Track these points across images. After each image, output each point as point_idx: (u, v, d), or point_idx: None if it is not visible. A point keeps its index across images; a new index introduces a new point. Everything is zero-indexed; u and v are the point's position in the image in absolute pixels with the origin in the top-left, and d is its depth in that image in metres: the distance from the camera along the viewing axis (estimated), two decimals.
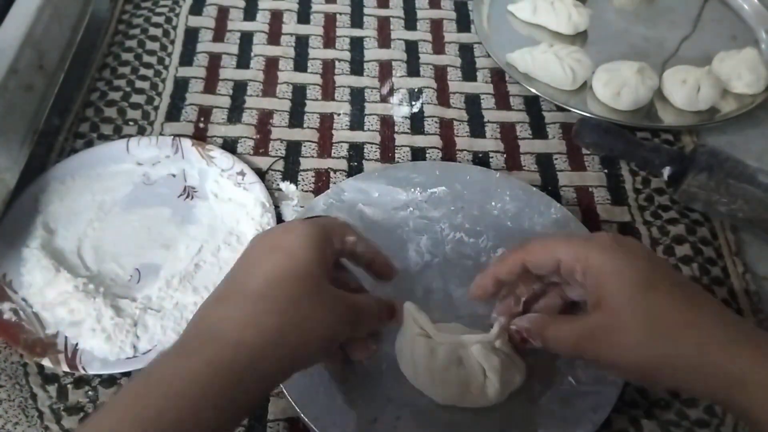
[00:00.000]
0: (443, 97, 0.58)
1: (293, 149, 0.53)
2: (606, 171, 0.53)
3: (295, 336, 0.30)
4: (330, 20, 0.64)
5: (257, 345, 0.28)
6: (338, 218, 0.40)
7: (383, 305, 0.37)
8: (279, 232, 0.35)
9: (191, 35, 0.61)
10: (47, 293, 0.42)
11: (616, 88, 0.56)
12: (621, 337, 0.32)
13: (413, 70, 0.60)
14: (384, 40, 0.63)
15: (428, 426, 0.38)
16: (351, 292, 0.35)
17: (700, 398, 0.39)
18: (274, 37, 0.62)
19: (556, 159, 0.54)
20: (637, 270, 0.32)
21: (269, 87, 0.58)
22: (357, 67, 0.60)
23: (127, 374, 0.40)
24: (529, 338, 0.36)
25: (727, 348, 0.30)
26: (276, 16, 0.64)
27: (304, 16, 0.64)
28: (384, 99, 0.58)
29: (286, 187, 0.50)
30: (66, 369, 0.39)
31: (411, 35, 0.63)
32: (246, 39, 0.62)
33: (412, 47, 0.62)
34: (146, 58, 0.59)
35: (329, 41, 0.62)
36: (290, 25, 0.63)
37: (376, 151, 0.54)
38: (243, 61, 0.60)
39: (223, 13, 0.64)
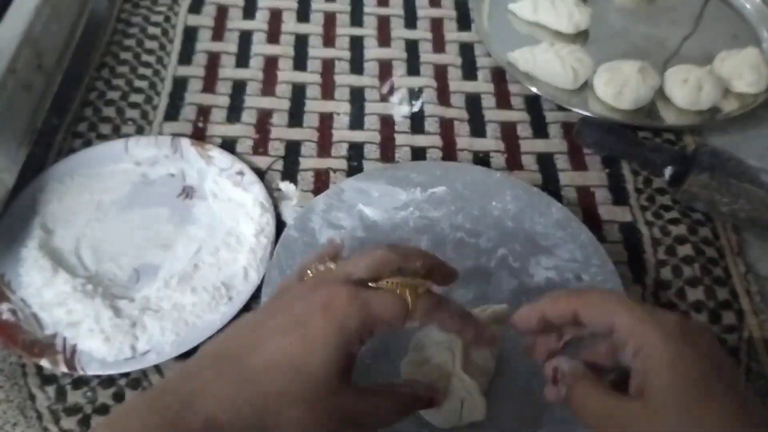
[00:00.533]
0: (443, 96, 0.58)
1: (293, 149, 0.53)
2: (607, 171, 0.53)
3: None
4: (330, 19, 0.64)
5: (223, 428, 0.26)
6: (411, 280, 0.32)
7: (408, 398, 0.32)
8: (315, 306, 0.29)
9: (190, 34, 0.61)
10: (45, 293, 0.42)
11: (618, 87, 0.55)
12: None
13: (413, 70, 0.60)
14: (384, 39, 0.62)
15: (428, 425, 0.38)
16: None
17: None
18: (273, 36, 0.62)
19: (557, 159, 0.53)
20: (697, 372, 0.27)
21: (268, 86, 0.58)
22: (357, 66, 0.60)
23: (125, 375, 0.40)
24: (560, 383, 0.32)
25: None
26: (275, 15, 0.64)
27: (303, 15, 0.64)
28: (384, 98, 0.57)
29: (286, 186, 0.50)
30: (64, 369, 0.39)
31: (411, 34, 0.63)
32: (245, 38, 0.61)
33: (412, 46, 0.62)
34: (145, 57, 0.58)
35: (329, 40, 0.62)
36: (290, 24, 0.63)
37: (376, 151, 0.53)
38: (242, 61, 0.59)
39: (222, 12, 0.63)
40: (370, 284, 0.31)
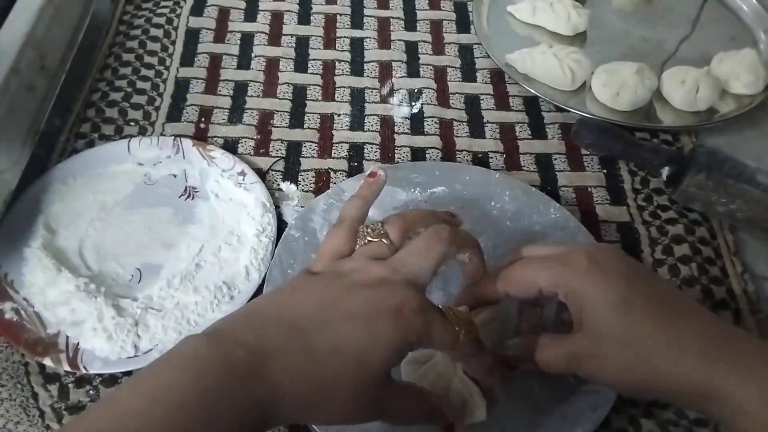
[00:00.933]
0: (443, 97, 0.58)
1: (294, 149, 0.53)
2: (605, 171, 0.53)
3: (318, 410, 0.29)
4: (330, 21, 0.64)
5: (284, 399, 0.28)
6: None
7: (437, 411, 0.33)
8: (388, 308, 0.30)
9: (192, 36, 0.62)
10: (49, 293, 0.42)
11: (615, 88, 0.56)
12: (603, 362, 0.32)
13: (413, 71, 0.60)
14: (384, 41, 0.63)
15: (428, 425, 0.38)
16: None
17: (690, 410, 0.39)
18: (274, 38, 0.62)
19: (556, 159, 0.54)
20: (612, 291, 0.32)
21: (270, 87, 0.58)
22: (357, 67, 0.60)
23: (128, 373, 0.40)
24: (518, 364, 0.36)
25: (702, 363, 0.30)
26: (276, 17, 0.64)
27: (304, 17, 0.64)
28: (384, 99, 0.58)
29: (287, 187, 0.51)
30: (67, 368, 0.40)
31: (411, 36, 0.63)
32: (247, 40, 0.62)
33: (412, 48, 0.62)
34: (147, 59, 0.59)
35: (329, 42, 0.62)
36: (291, 26, 0.63)
37: (376, 152, 0.54)
38: (244, 62, 0.60)
39: (223, 13, 0.64)
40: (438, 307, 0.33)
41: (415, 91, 0.58)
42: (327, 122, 0.56)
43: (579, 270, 0.33)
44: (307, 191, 0.51)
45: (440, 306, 0.33)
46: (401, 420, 0.33)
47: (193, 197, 0.49)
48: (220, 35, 0.62)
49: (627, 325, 0.31)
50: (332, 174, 0.52)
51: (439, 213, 0.38)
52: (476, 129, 0.56)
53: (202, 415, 0.25)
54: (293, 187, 0.51)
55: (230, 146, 0.53)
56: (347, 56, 0.61)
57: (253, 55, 0.60)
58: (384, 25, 0.64)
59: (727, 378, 0.30)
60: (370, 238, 0.34)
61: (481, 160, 0.54)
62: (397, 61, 0.61)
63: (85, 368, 0.40)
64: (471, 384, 0.37)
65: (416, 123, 0.56)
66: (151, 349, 0.41)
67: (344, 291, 0.31)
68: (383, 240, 0.34)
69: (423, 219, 0.35)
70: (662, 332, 0.31)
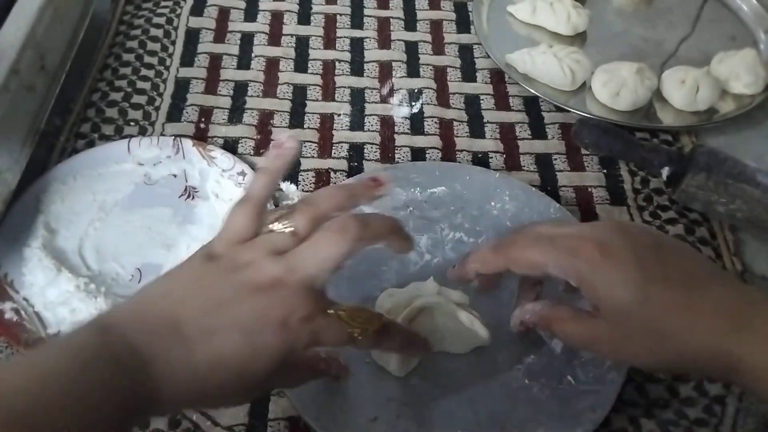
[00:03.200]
0: (443, 97, 0.58)
1: None
2: (605, 171, 0.53)
3: (202, 406, 0.33)
4: (330, 21, 0.64)
5: (168, 397, 0.29)
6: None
7: (324, 374, 0.37)
8: (274, 318, 0.30)
9: (192, 36, 0.62)
10: (49, 293, 0.42)
11: (615, 88, 0.56)
12: (625, 347, 0.33)
13: (413, 71, 0.60)
14: (384, 41, 0.63)
15: (428, 425, 0.38)
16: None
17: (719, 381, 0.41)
18: (274, 38, 0.62)
19: (556, 159, 0.54)
20: (628, 282, 0.32)
21: (270, 87, 0.58)
22: (357, 67, 0.60)
23: None
24: (543, 329, 0.37)
25: (724, 335, 0.31)
26: (276, 17, 0.64)
27: (304, 17, 0.64)
28: (384, 99, 0.58)
29: (287, 187, 0.51)
30: None
31: (411, 36, 0.63)
32: (246, 40, 0.62)
33: (412, 48, 0.62)
34: (147, 59, 0.59)
35: (329, 42, 0.62)
36: (291, 26, 0.63)
37: (376, 152, 0.54)
38: (244, 62, 0.60)
39: (223, 14, 0.64)
40: (329, 310, 0.31)
41: (415, 91, 0.58)
42: (327, 122, 0.56)
43: (591, 261, 0.32)
44: (307, 191, 0.51)
45: (336, 307, 0.32)
46: (294, 384, 0.36)
47: (193, 197, 0.49)
48: (220, 35, 0.62)
49: (645, 312, 0.32)
50: (332, 174, 0.52)
51: (356, 188, 0.34)
52: (476, 129, 0.56)
53: (83, 401, 0.26)
54: (293, 187, 0.51)
55: (230, 146, 0.53)
56: (347, 56, 0.61)
57: (253, 55, 0.60)
58: (384, 25, 0.64)
59: (746, 346, 0.30)
60: (273, 227, 0.32)
61: (481, 160, 0.54)
62: (397, 61, 0.61)
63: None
64: (473, 313, 0.40)
65: (416, 123, 0.56)
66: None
67: (233, 293, 0.30)
68: (287, 230, 0.32)
69: (338, 203, 0.33)
70: (681, 311, 0.32)
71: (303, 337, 0.30)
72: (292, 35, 0.63)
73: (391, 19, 0.65)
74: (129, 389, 0.27)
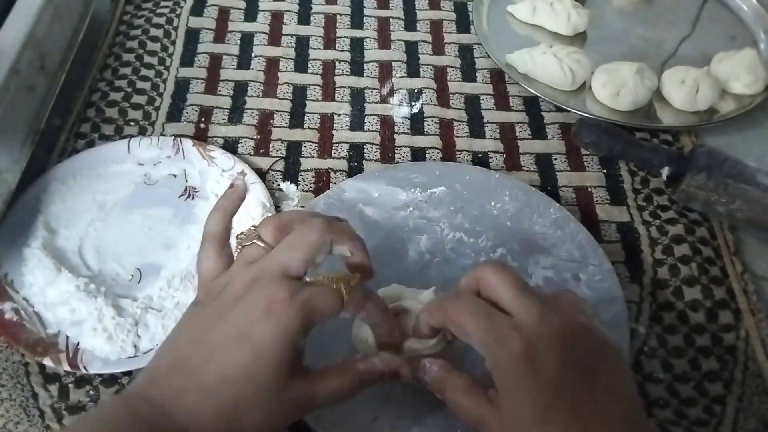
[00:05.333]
0: (443, 97, 0.58)
1: (294, 149, 0.53)
2: (605, 171, 0.53)
3: None
4: (330, 21, 0.64)
5: None
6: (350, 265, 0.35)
7: (361, 374, 0.33)
8: (258, 312, 0.30)
9: (192, 36, 0.62)
10: (49, 293, 0.42)
11: (615, 88, 0.56)
12: None
13: (413, 71, 0.60)
14: (384, 41, 0.63)
15: (428, 425, 0.38)
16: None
17: None
18: (274, 38, 0.62)
19: (556, 159, 0.54)
20: (535, 397, 0.29)
21: (270, 87, 0.58)
22: (357, 67, 0.60)
23: (128, 373, 0.40)
24: (428, 388, 0.34)
25: None
26: (276, 17, 0.64)
27: (304, 17, 0.64)
28: (384, 99, 0.58)
29: (287, 187, 0.51)
30: (67, 368, 0.40)
31: (411, 36, 0.63)
32: (246, 40, 0.62)
33: (412, 48, 0.62)
34: (147, 59, 0.59)
35: (329, 42, 0.62)
36: (291, 26, 0.63)
37: (376, 152, 0.54)
38: (244, 62, 0.60)
39: (223, 14, 0.64)
40: (306, 278, 0.32)
41: (415, 91, 0.58)
42: (327, 122, 0.56)
43: (511, 358, 0.30)
44: (307, 191, 0.51)
45: (313, 276, 0.32)
46: (333, 402, 0.33)
47: (193, 197, 0.49)
48: (220, 35, 0.62)
49: None
50: (332, 174, 0.52)
51: (317, 213, 0.36)
52: (476, 129, 0.56)
53: None
54: (293, 187, 0.51)
55: (230, 146, 0.53)
56: (347, 56, 0.61)
57: (253, 55, 0.60)
58: (384, 25, 0.64)
59: None
60: (243, 244, 0.34)
61: (481, 160, 0.54)
62: (397, 61, 0.61)
63: (85, 368, 0.40)
64: None
65: (416, 123, 0.56)
66: (151, 349, 0.41)
67: (217, 315, 0.31)
68: (256, 242, 0.33)
69: (299, 218, 0.34)
70: None
71: (293, 314, 0.30)
72: (292, 35, 0.63)
73: (391, 19, 0.65)
74: None
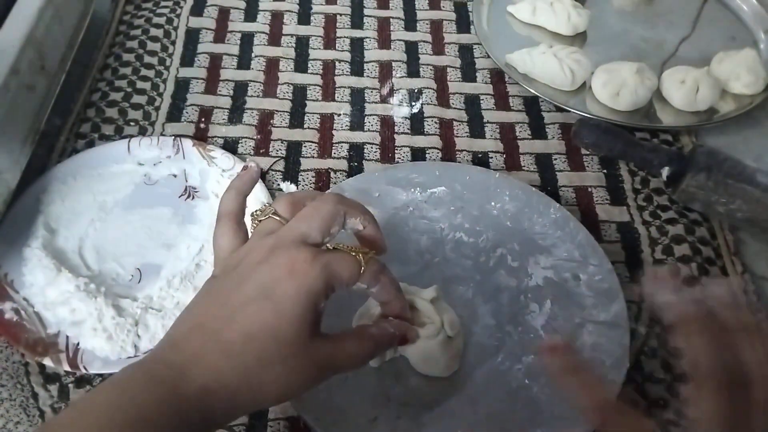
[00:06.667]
0: (443, 97, 0.58)
1: (294, 149, 0.53)
2: (605, 171, 0.53)
3: (253, 395, 0.30)
4: (330, 21, 0.64)
5: (216, 395, 0.29)
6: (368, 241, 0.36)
7: (377, 337, 0.34)
8: (280, 272, 0.31)
9: (192, 36, 0.62)
10: (49, 293, 0.42)
11: (615, 88, 0.56)
12: None
13: (413, 71, 0.60)
14: (384, 41, 0.63)
15: (429, 425, 0.38)
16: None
17: None
18: (274, 38, 0.62)
19: (556, 159, 0.54)
20: None
21: (270, 87, 0.58)
22: (357, 67, 0.60)
23: None
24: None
25: None
26: (276, 17, 0.64)
27: (304, 17, 0.64)
28: (384, 99, 0.58)
29: (287, 187, 0.51)
30: (67, 368, 0.40)
31: (411, 36, 0.63)
32: (246, 40, 0.62)
33: (412, 48, 0.62)
34: (147, 59, 0.59)
35: (329, 42, 0.62)
36: (291, 26, 0.63)
37: (376, 152, 0.54)
38: (244, 62, 0.60)
39: (223, 14, 0.64)
40: (327, 246, 0.33)
41: (415, 91, 0.58)
42: (327, 122, 0.56)
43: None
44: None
45: (332, 245, 0.33)
46: (352, 365, 0.33)
47: (193, 197, 0.49)
48: (220, 35, 0.62)
49: None
50: (332, 174, 0.52)
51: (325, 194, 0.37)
52: (476, 129, 0.56)
53: (134, 424, 0.27)
54: (293, 187, 0.51)
55: (230, 146, 0.53)
56: (347, 56, 0.61)
57: (253, 55, 0.60)
58: (384, 25, 0.64)
59: None
60: (260, 219, 0.35)
61: (481, 160, 0.54)
62: (397, 61, 0.61)
63: (85, 368, 0.40)
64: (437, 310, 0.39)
65: (416, 123, 0.56)
66: (150, 349, 0.41)
67: (239, 280, 0.31)
68: (272, 216, 0.34)
69: (312, 195, 0.36)
70: None
71: (315, 274, 0.30)
72: (292, 35, 0.63)
73: (391, 19, 0.65)
74: (176, 404, 0.28)
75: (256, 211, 0.35)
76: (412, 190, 0.49)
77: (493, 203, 0.48)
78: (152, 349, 0.33)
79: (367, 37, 0.63)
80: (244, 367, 0.29)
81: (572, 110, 0.56)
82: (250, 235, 0.35)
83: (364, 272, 0.33)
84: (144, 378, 0.29)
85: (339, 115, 0.56)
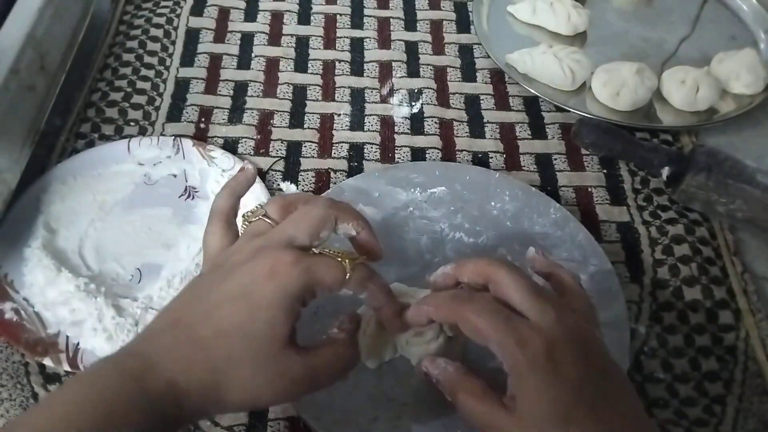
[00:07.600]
0: (443, 97, 0.58)
1: (294, 149, 0.53)
2: (605, 171, 0.53)
3: (220, 394, 0.29)
4: (330, 21, 0.64)
5: (183, 390, 0.29)
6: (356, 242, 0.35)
7: (354, 349, 0.34)
8: (261, 272, 0.30)
9: (192, 36, 0.62)
10: (49, 293, 0.42)
11: (615, 88, 0.56)
12: None
13: (413, 71, 0.60)
14: (384, 41, 0.63)
15: (429, 425, 0.38)
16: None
17: None
18: (274, 38, 0.62)
19: (556, 159, 0.54)
20: (558, 398, 0.29)
21: (270, 87, 0.58)
22: (357, 67, 0.60)
23: None
24: (437, 387, 0.33)
25: None
26: (276, 17, 0.64)
27: (304, 17, 0.64)
28: (384, 99, 0.58)
29: (287, 187, 0.51)
30: (67, 368, 0.40)
31: (411, 36, 0.63)
32: (246, 40, 0.62)
33: (412, 48, 0.62)
34: (147, 59, 0.59)
35: (329, 42, 0.62)
36: (291, 26, 0.63)
37: (376, 152, 0.54)
38: (244, 62, 0.60)
39: (223, 14, 0.64)
40: (313, 250, 0.33)
41: (415, 91, 0.58)
42: (327, 122, 0.56)
43: (533, 360, 0.30)
44: (307, 191, 0.51)
45: (321, 248, 0.33)
46: (331, 378, 0.33)
47: (193, 197, 0.49)
48: (220, 35, 0.62)
49: None
50: (332, 174, 0.52)
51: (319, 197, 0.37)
52: (476, 129, 0.56)
53: (101, 417, 0.27)
54: (293, 187, 0.51)
55: (230, 146, 0.53)
56: (347, 56, 0.61)
57: (253, 55, 0.60)
58: (384, 25, 0.64)
59: None
60: (250, 220, 0.35)
61: (481, 160, 0.54)
62: (397, 61, 0.61)
63: (85, 368, 0.40)
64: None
65: (416, 123, 0.56)
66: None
67: (221, 278, 0.31)
68: (262, 218, 0.34)
69: (304, 198, 0.35)
70: None
71: (295, 277, 0.30)
72: (292, 35, 0.63)
73: (391, 19, 0.65)
74: (141, 397, 0.28)
75: (247, 212, 0.35)
76: (412, 190, 0.49)
77: (493, 203, 0.48)
78: (127, 342, 0.34)
79: (367, 37, 0.63)
80: (213, 363, 0.29)
81: (572, 110, 0.56)
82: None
83: (350, 278, 0.32)
84: (114, 370, 0.29)
85: (339, 115, 0.56)
